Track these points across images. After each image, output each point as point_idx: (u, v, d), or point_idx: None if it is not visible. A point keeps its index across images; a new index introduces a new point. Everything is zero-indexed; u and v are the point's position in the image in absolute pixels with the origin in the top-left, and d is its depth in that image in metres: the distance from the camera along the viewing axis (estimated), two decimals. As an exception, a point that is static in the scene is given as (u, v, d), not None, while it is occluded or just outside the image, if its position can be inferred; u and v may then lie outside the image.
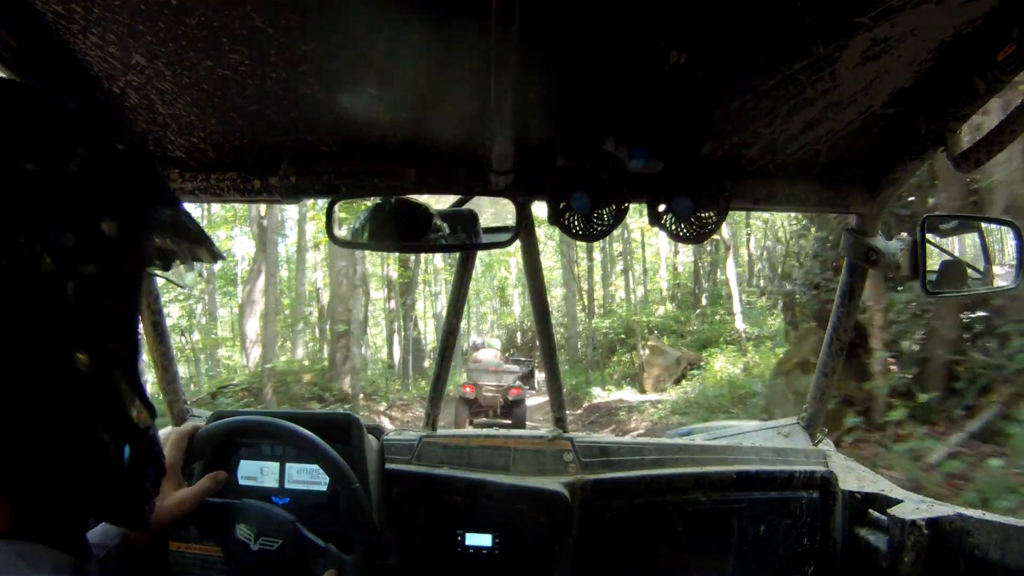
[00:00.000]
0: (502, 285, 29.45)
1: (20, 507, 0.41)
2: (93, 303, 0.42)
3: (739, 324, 12.18)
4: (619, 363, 15.65)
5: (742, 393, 8.49)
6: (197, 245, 0.66)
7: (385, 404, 11.42)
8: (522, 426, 8.70)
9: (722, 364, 11.07)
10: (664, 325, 15.87)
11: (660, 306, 18.70)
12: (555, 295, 21.97)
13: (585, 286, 20.30)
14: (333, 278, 10.90)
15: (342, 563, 0.98)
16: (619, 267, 21.61)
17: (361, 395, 10.42)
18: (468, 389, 8.60)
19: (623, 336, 16.28)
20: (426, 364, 18.97)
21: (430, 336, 24.19)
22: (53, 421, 0.40)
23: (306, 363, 11.88)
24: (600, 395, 12.78)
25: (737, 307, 12.37)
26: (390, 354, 17.59)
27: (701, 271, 18.04)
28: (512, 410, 8.65)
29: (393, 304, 16.94)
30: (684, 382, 11.49)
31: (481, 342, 10.78)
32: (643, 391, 12.30)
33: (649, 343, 13.61)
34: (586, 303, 19.82)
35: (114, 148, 0.45)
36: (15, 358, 0.39)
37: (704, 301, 16.79)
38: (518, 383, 8.76)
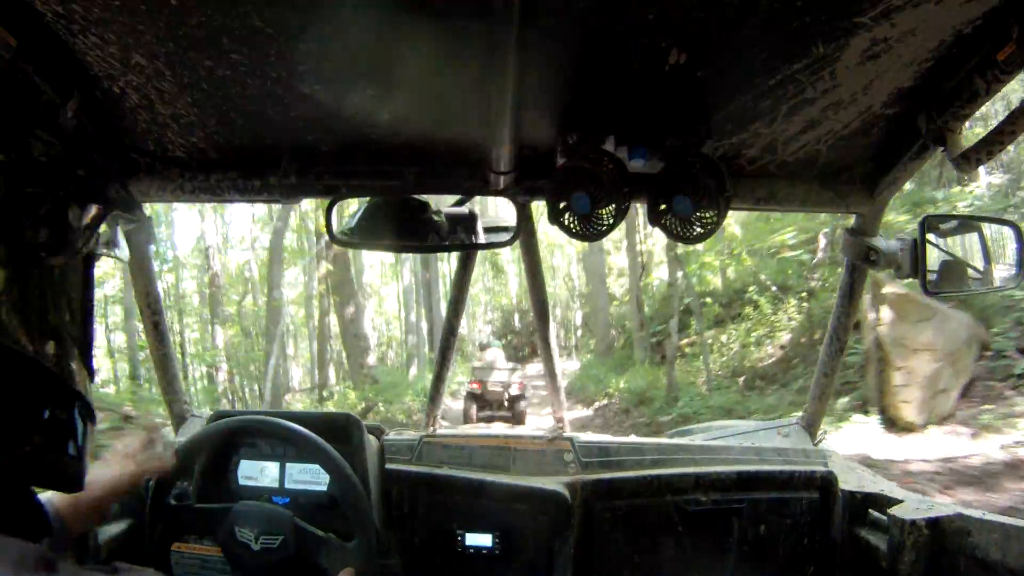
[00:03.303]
0: (493, 259, 24.59)
1: None
2: (59, 291, 0.42)
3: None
4: (722, 346, 10.03)
5: None
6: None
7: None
8: (522, 419, 9.57)
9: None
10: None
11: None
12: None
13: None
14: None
15: (343, 551, 0.99)
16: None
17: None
18: (475, 385, 9.70)
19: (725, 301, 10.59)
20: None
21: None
22: (20, 406, 0.40)
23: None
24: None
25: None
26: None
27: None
28: (514, 404, 9.59)
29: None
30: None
31: (487, 343, 11.73)
32: (905, 426, 5.33)
33: (887, 290, 5.61)
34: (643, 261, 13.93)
35: (62, 130, 0.44)
36: None
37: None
38: (519, 380, 9.73)
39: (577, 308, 28.44)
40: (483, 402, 9.71)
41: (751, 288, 10.13)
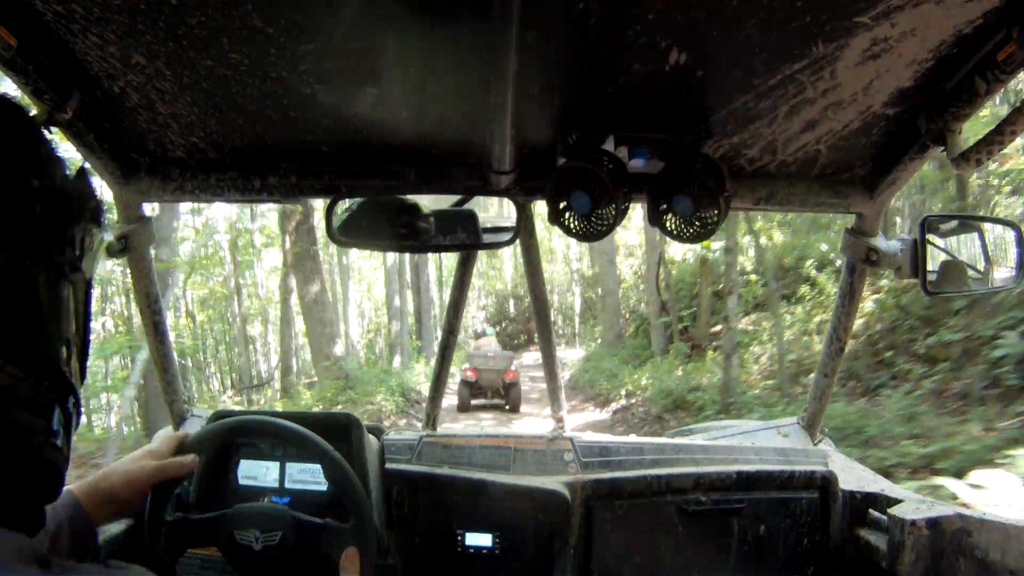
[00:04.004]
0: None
1: None
2: (74, 303, 0.48)
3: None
4: (769, 333, 8.28)
5: None
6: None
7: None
8: (518, 405, 9.83)
9: None
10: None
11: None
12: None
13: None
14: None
15: (343, 532, 0.99)
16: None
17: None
18: (470, 373, 9.90)
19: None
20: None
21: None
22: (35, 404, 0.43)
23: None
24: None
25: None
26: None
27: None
28: (509, 391, 9.94)
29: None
30: None
31: (482, 330, 12.00)
32: None
33: None
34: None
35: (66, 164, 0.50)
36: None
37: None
38: (513, 368, 9.97)
39: (578, 293, 27.31)
40: (478, 389, 9.99)
41: (807, 263, 8.55)
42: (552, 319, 1.67)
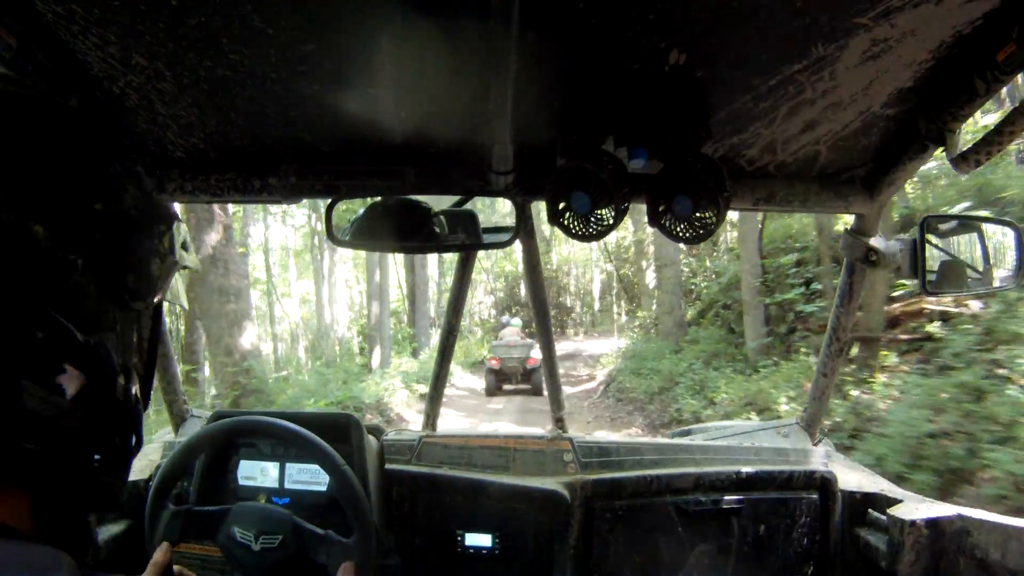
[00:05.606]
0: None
1: (42, 507, 0.41)
2: (134, 332, 0.48)
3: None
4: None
5: None
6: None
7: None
8: (540, 389, 10.22)
9: None
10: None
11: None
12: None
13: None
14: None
15: (344, 547, 0.99)
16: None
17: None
18: (494, 361, 11.24)
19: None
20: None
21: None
22: (91, 429, 0.43)
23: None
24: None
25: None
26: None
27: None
28: (530, 376, 10.95)
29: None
30: None
31: (506, 321, 13.23)
32: None
33: None
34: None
35: (145, 185, 0.48)
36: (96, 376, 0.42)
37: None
38: (533, 355, 10.70)
39: (596, 273, 24.87)
40: (502, 376, 11.29)
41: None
42: (551, 315, 1.66)
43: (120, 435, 0.45)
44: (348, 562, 0.95)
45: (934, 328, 4.96)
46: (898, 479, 2.70)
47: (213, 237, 6.69)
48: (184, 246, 0.63)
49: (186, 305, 1.19)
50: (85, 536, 0.47)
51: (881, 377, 5.09)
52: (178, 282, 1.13)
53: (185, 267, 0.65)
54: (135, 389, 0.48)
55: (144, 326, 0.49)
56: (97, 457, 0.43)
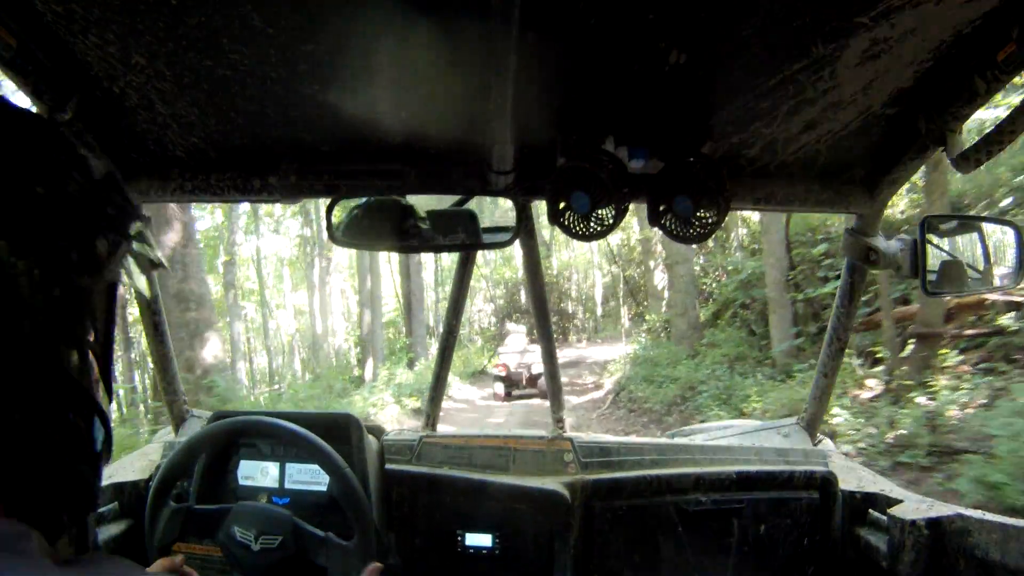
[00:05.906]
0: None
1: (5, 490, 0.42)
2: (84, 310, 0.48)
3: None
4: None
5: None
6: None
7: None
8: (545, 394, 9.85)
9: None
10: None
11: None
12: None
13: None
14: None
15: (344, 550, 0.99)
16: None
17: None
18: (501, 368, 11.73)
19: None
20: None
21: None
22: (46, 412, 0.43)
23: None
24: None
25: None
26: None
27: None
28: (535, 382, 11.25)
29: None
30: None
31: (511, 328, 13.66)
32: None
33: None
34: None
35: (93, 172, 0.51)
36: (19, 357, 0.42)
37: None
38: (538, 360, 10.56)
39: (598, 276, 24.29)
40: (509, 382, 11.70)
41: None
42: (552, 319, 1.66)
43: (75, 412, 0.46)
44: (374, 564, 0.94)
45: (1007, 320, 4.18)
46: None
47: (172, 237, 6.03)
48: (142, 237, 0.64)
49: (147, 293, 1.20)
50: (81, 534, 0.47)
51: (942, 380, 4.35)
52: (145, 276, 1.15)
53: (151, 261, 0.66)
54: (95, 370, 0.49)
55: (97, 308, 0.50)
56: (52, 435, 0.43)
